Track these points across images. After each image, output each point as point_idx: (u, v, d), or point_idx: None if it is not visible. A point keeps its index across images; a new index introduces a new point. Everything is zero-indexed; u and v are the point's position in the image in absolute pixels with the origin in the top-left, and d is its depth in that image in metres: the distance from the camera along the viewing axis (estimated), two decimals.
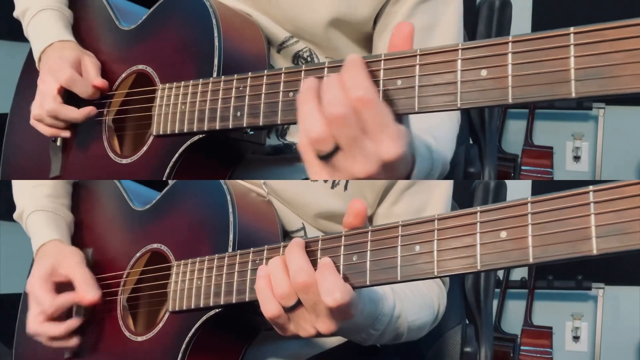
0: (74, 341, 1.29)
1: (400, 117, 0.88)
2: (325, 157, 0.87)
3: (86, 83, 1.29)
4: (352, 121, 0.84)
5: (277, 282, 0.95)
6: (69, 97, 1.31)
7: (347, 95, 0.85)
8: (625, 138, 3.48)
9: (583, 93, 0.76)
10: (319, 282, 0.92)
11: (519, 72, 0.80)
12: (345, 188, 1.26)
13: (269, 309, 0.96)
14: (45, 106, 1.29)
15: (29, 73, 1.42)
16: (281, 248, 1.01)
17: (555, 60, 0.78)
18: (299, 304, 0.95)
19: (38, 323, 1.28)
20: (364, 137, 0.85)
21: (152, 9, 1.31)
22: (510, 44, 0.80)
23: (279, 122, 1.01)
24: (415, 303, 1.21)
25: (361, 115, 0.84)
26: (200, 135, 1.15)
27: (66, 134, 1.33)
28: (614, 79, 0.74)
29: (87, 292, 1.27)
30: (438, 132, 1.17)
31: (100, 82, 1.30)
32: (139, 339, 1.23)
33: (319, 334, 0.96)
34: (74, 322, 1.29)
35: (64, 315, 1.30)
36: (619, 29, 0.74)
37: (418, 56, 0.87)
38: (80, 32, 1.39)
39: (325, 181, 1.26)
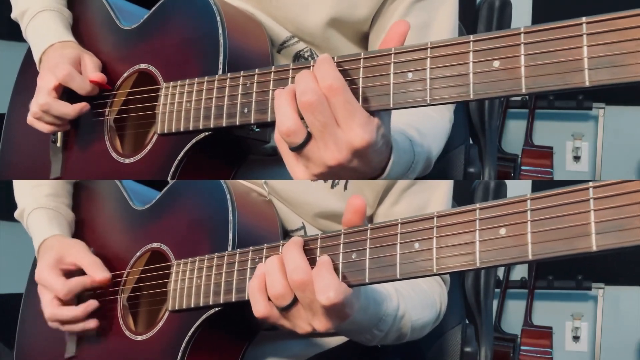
0: (92, 322, 1.29)
1: (377, 111, 0.92)
2: (297, 148, 0.93)
3: (84, 79, 1.29)
4: (323, 108, 0.90)
5: (272, 281, 0.96)
6: (69, 96, 1.31)
7: (317, 84, 0.91)
8: (625, 138, 3.47)
9: (596, 82, 0.77)
10: (315, 280, 0.93)
11: (531, 62, 0.80)
12: (345, 188, 1.26)
13: (258, 309, 0.98)
14: (39, 100, 1.28)
15: (27, 73, 1.42)
16: (280, 247, 1.01)
17: (567, 50, 0.78)
18: (294, 303, 0.96)
19: (55, 307, 1.28)
20: (335, 125, 0.91)
21: (154, 8, 1.30)
22: (522, 34, 0.81)
23: None
24: (418, 302, 1.21)
25: (331, 102, 0.91)
26: (206, 133, 1.15)
27: (64, 128, 1.33)
28: (626, 67, 0.75)
29: (97, 273, 1.28)
30: (423, 126, 1.17)
31: (98, 76, 1.29)
32: (139, 338, 1.23)
33: (315, 332, 0.97)
34: (92, 304, 1.28)
35: (74, 302, 1.30)
36: (630, 18, 0.75)
37: (429, 49, 0.88)
38: (81, 32, 1.39)
39: (325, 181, 1.26)
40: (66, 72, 1.27)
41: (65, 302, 1.28)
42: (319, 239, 0.96)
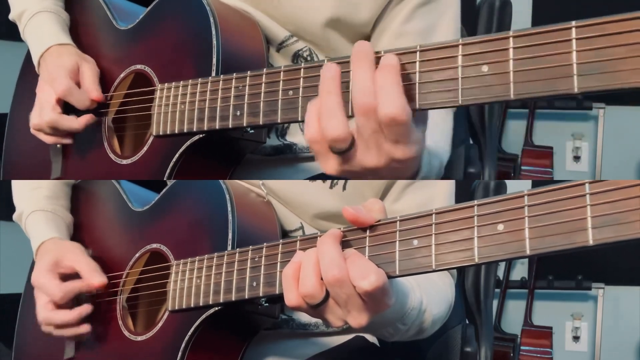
0: (85, 327, 1.28)
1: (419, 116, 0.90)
2: (341, 152, 0.91)
3: (82, 94, 1.29)
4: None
5: (304, 277, 0.91)
6: (69, 106, 1.31)
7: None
8: (625, 138, 3.48)
9: (585, 88, 0.75)
10: (351, 269, 0.88)
11: (520, 67, 0.79)
12: (344, 188, 1.26)
13: (289, 298, 0.93)
14: (44, 117, 1.29)
15: (28, 74, 1.42)
16: (280, 245, 1.01)
17: (557, 55, 0.77)
18: (325, 301, 0.91)
19: (48, 310, 1.28)
20: (382, 136, 0.89)
21: (149, 8, 1.30)
22: (511, 39, 0.80)
23: (279, 121, 1.01)
24: (436, 296, 1.20)
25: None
26: (200, 135, 1.15)
27: (68, 141, 1.33)
28: (616, 73, 0.74)
29: (94, 277, 1.28)
30: (435, 135, 1.16)
31: (97, 95, 1.30)
32: (139, 338, 1.23)
33: (347, 326, 0.94)
34: (85, 308, 1.28)
35: (70, 305, 1.29)
36: (620, 22, 0.74)
37: (418, 52, 0.87)
38: (78, 33, 1.39)
39: (324, 181, 1.26)
40: (64, 87, 1.27)
41: (60, 306, 1.28)
42: (318, 238, 0.96)
